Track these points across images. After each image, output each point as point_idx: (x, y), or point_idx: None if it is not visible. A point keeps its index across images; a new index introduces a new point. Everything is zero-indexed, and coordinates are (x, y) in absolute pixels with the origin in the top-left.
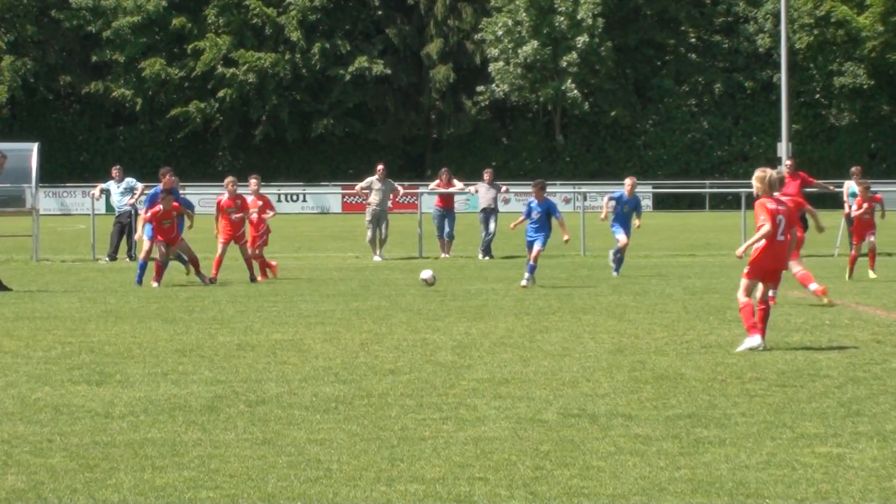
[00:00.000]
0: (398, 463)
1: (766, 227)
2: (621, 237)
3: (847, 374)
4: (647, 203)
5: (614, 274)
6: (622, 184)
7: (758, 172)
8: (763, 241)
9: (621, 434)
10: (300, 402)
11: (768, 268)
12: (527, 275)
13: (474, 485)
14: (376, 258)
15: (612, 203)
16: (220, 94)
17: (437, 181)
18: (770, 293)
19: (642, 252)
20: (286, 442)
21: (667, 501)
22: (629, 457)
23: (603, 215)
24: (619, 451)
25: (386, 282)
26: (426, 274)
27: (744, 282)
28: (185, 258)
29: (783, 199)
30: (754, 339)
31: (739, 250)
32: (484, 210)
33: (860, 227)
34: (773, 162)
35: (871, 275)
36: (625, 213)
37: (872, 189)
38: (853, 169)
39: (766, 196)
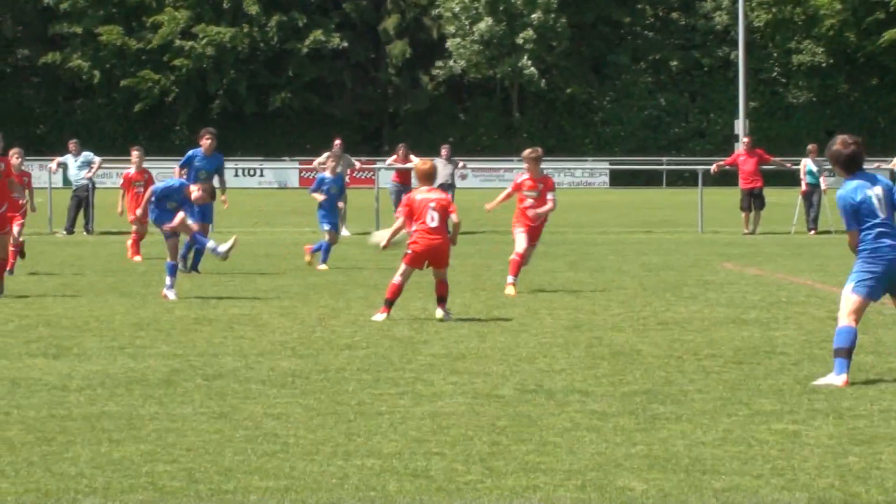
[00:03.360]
0: (355, 437)
1: None
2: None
3: (803, 352)
4: (603, 179)
5: None
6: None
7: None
8: None
9: (577, 410)
10: (257, 377)
11: None
12: None
13: (431, 459)
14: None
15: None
16: (177, 62)
17: (395, 156)
18: None
19: (598, 228)
20: (243, 416)
21: (623, 477)
22: (585, 433)
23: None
24: (575, 427)
25: (343, 257)
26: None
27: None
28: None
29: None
30: None
31: None
32: (440, 185)
33: None
34: (731, 140)
35: None
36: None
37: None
38: (810, 147)
39: None
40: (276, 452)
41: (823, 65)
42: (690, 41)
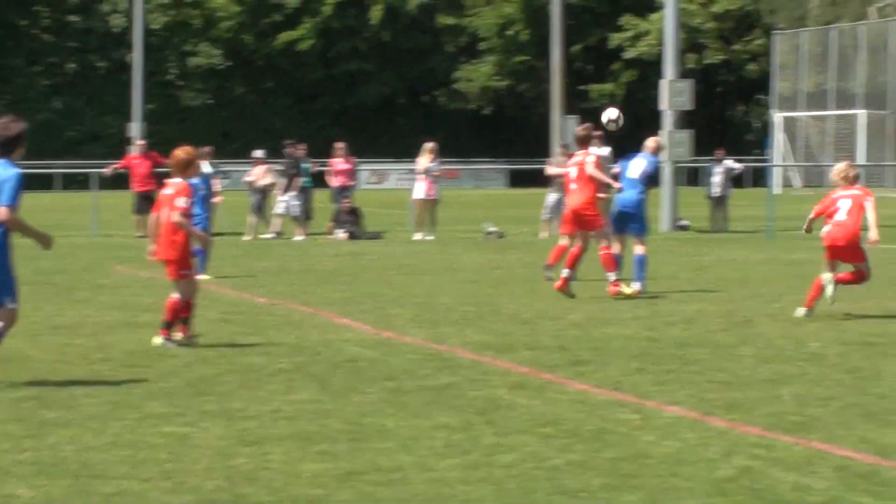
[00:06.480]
0: None
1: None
2: None
3: (195, 354)
4: None
5: None
6: None
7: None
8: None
9: None
10: None
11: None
12: None
13: None
14: None
15: None
16: None
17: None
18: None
19: None
20: None
21: (9, 484)
22: None
23: None
24: None
25: None
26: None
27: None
28: None
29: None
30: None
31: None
32: None
33: None
34: (125, 143)
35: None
36: None
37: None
38: (206, 149)
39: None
40: None
41: (221, 67)
42: (87, 44)
